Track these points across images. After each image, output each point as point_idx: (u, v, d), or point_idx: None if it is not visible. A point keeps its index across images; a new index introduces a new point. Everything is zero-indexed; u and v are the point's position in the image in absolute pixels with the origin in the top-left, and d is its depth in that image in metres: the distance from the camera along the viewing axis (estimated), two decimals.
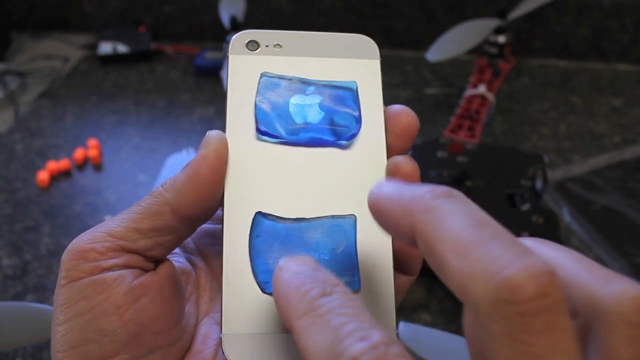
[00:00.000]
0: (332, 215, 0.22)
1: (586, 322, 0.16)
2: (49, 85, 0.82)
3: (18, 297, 0.50)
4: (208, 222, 0.23)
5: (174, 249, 0.23)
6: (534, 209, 0.49)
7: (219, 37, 0.89)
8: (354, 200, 0.22)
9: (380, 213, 0.18)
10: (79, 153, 0.66)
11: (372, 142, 0.23)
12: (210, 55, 0.85)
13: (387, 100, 0.24)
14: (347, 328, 0.15)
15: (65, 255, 0.21)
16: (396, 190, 0.17)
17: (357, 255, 0.22)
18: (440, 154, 0.56)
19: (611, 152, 0.66)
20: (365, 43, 0.25)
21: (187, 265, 0.24)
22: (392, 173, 0.22)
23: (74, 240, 0.21)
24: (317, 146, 0.23)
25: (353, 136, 0.23)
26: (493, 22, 0.68)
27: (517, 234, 0.51)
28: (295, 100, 0.23)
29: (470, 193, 0.51)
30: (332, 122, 0.23)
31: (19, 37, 0.94)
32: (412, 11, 0.85)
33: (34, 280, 0.51)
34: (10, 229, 0.58)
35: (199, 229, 0.24)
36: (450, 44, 0.66)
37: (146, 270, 0.22)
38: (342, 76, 0.24)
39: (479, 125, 0.60)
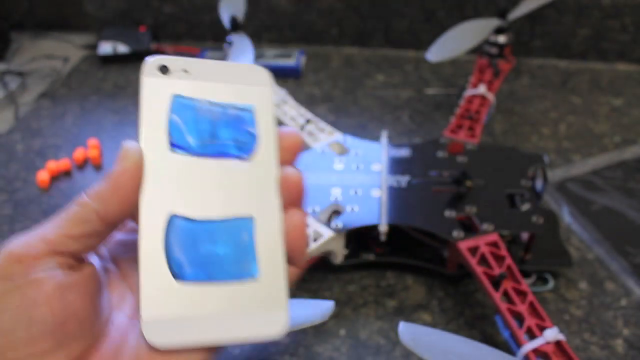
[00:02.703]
0: (235, 216, 0.26)
1: None
2: (49, 85, 0.82)
3: None
4: (122, 233, 0.29)
5: (97, 248, 0.27)
6: (534, 209, 0.49)
7: (219, 37, 0.89)
8: (252, 203, 0.27)
9: None
10: (79, 153, 0.66)
11: (266, 156, 0.28)
12: (210, 56, 0.85)
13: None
14: None
15: (1, 260, 0.24)
16: None
17: (255, 248, 0.26)
18: (440, 154, 0.56)
19: (611, 152, 0.66)
20: (260, 72, 0.29)
21: (103, 267, 0.28)
22: (283, 180, 0.28)
23: (10, 244, 0.24)
24: (223, 158, 0.27)
25: (251, 150, 0.28)
26: (493, 22, 0.68)
27: (517, 234, 0.51)
28: (202, 118, 0.27)
29: (470, 193, 0.51)
30: (235, 139, 0.27)
31: (19, 37, 0.94)
32: (412, 11, 0.85)
33: None
34: (10, 229, 0.58)
35: (113, 240, 0.29)
36: (450, 44, 0.66)
37: (74, 269, 0.25)
38: (242, 99, 0.28)
39: (479, 125, 0.60)
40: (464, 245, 0.46)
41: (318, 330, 0.46)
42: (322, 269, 0.51)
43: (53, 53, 0.89)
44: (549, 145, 0.67)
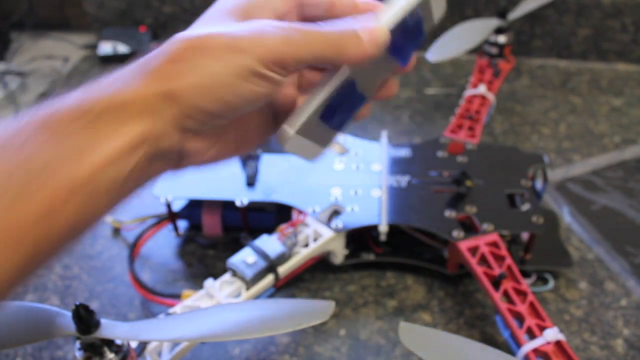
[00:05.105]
0: None
1: None
2: (49, 85, 0.82)
3: (18, 297, 0.50)
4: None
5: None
6: (534, 209, 0.49)
7: None
8: None
9: None
10: None
11: None
12: None
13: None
14: None
15: None
16: None
17: None
18: (440, 154, 0.56)
19: (611, 152, 0.66)
20: None
21: None
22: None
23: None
24: None
25: None
26: (493, 22, 0.68)
27: (517, 234, 0.51)
28: None
29: (470, 193, 0.51)
30: None
31: (19, 37, 0.94)
32: None
33: (34, 280, 0.51)
34: None
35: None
36: (450, 44, 0.66)
37: None
38: None
39: (479, 125, 0.60)
40: (464, 245, 0.46)
41: (318, 330, 0.46)
42: (322, 269, 0.51)
43: (53, 53, 0.89)
44: (549, 145, 0.67)
